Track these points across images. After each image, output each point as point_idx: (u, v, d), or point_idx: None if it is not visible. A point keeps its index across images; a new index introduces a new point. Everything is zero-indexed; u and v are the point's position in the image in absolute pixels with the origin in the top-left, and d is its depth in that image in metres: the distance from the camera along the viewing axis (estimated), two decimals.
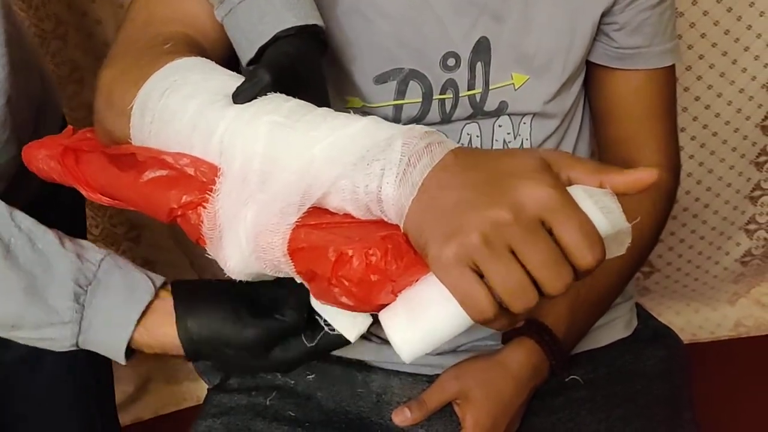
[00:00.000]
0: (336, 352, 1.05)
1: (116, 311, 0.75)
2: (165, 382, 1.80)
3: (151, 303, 0.76)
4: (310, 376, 1.05)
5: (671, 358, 1.10)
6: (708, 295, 1.80)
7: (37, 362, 1.07)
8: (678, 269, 1.73)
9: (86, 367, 1.13)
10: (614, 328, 1.10)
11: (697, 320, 1.84)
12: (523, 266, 0.56)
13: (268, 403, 1.02)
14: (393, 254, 0.61)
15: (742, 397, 1.69)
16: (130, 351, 0.77)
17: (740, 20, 1.42)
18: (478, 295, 0.57)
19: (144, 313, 0.76)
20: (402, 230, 0.61)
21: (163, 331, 0.76)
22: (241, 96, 0.68)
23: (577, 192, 0.58)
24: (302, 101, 0.68)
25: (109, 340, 0.76)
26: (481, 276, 0.57)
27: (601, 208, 0.58)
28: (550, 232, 0.57)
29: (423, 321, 0.60)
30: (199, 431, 1.02)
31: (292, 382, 1.04)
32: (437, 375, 0.96)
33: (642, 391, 1.04)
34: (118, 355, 0.77)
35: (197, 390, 1.78)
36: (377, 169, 0.61)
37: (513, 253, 0.56)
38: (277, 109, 0.66)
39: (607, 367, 1.06)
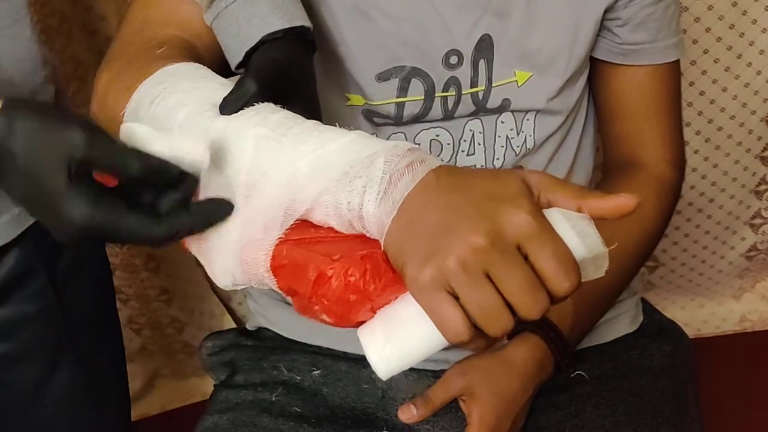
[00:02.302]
0: (342, 348, 1.06)
1: None
2: (172, 377, 1.81)
3: None
4: (316, 372, 1.05)
5: (677, 353, 1.10)
6: (713, 290, 1.80)
7: (36, 401, 1.06)
8: (683, 264, 1.73)
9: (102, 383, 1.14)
10: (619, 323, 1.10)
11: (702, 315, 1.83)
12: (498, 291, 0.57)
13: (273, 398, 1.02)
14: (372, 274, 0.61)
15: (747, 391, 1.69)
16: None
17: (745, 15, 1.42)
18: (453, 318, 0.57)
19: None
20: (382, 247, 0.61)
21: None
22: (227, 108, 0.67)
23: (554, 215, 0.59)
24: (290, 113, 0.68)
25: None
26: (457, 298, 0.57)
27: (578, 232, 0.58)
28: (526, 258, 0.57)
29: (400, 339, 0.61)
30: (206, 427, 1.02)
31: (298, 378, 1.05)
32: (442, 371, 0.96)
33: (648, 386, 1.04)
34: None
35: (204, 386, 1.78)
36: (359, 186, 0.61)
37: (489, 277, 0.57)
38: (264, 121, 0.66)
39: (612, 362, 1.06)
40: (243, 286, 0.68)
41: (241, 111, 0.67)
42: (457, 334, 0.58)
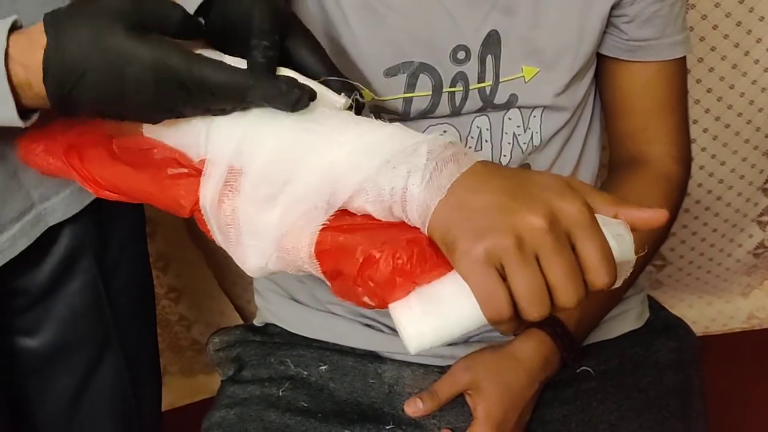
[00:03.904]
0: (349, 344, 1.07)
1: None
2: (180, 374, 1.81)
3: (15, 28, 0.67)
4: (323, 367, 1.05)
5: (683, 349, 1.10)
6: (721, 288, 1.79)
7: (83, 392, 1.09)
8: (690, 262, 1.73)
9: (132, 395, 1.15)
10: (626, 319, 1.10)
11: (710, 313, 1.83)
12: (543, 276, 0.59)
13: (280, 393, 1.03)
14: (418, 258, 0.62)
15: (755, 389, 1.68)
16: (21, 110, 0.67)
17: (752, 12, 1.41)
18: (499, 295, 0.59)
19: (11, 32, 0.66)
20: (425, 231, 0.62)
21: (40, 29, 0.65)
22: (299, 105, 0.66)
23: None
24: (324, 108, 0.68)
25: None
26: (503, 278, 0.58)
27: (615, 236, 0.61)
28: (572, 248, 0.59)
29: (437, 315, 0.62)
30: (213, 422, 1.03)
31: (305, 373, 1.05)
32: (449, 366, 0.97)
33: (653, 382, 1.04)
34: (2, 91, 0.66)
35: (212, 383, 1.78)
36: (403, 171, 0.62)
37: (537, 260, 0.58)
38: (301, 112, 0.67)
39: (618, 358, 1.06)
40: (274, 273, 0.68)
41: None
42: (499, 312, 0.59)
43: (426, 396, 0.94)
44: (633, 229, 0.63)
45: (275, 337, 1.11)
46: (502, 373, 0.94)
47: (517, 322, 0.61)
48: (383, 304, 0.63)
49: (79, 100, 0.66)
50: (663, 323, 1.13)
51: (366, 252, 0.63)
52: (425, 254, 0.62)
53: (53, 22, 0.65)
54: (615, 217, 0.63)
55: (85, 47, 0.63)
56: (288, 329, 1.11)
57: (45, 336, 1.02)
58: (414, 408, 0.93)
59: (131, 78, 0.64)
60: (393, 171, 0.62)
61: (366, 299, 0.64)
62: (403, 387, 1.03)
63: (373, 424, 1.00)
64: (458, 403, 0.97)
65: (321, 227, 0.65)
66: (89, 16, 0.64)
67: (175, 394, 1.80)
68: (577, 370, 1.03)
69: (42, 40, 0.64)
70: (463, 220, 0.60)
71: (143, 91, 0.64)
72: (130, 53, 0.63)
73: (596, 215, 0.61)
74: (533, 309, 0.59)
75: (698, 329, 1.73)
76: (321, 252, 0.65)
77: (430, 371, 1.03)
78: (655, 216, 0.63)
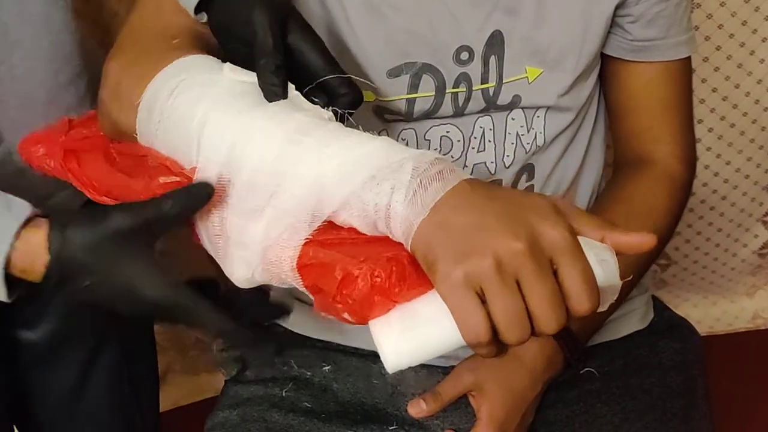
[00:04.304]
0: (352, 344, 1.06)
1: None
2: (184, 373, 1.82)
3: (29, 221, 0.70)
4: (326, 368, 1.05)
5: (687, 350, 1.10)
6: (726, 288, 1.79)
7: (83, 384, 1.10)
8: (695, 261, 1.72)
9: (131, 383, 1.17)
10: (630, 320, 1.10)
11: (715, 312, 1.83)
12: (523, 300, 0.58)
13: (284, 394, 1.03)
14: (398, 276, 0.62)
15: (759, 389, 1.68)
16: (10, 279, 0.69)
17: (758, 11, 1.41)
18: (477, 317, 0.58)
19: (23, 227, 0.69)
20: (408, 248, 0.62)
21: (42, 241, 0.68)
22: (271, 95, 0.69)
23: (580, 242, 0.60)
24: (313, 114, 0.68)
25: None
26: (483, 301, 0.58)
27: (600, 261, 0.60)
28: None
29: (416, 334, 0.61)
30: (216, 422, 1.03)
31: (309, 373, 1.05)
32: (452, 366, 0.97)
33: (657, 383, 1.04)
34: None
35: (216, 381, 1.78)
36: (387, 188, 0.62)
37: (517, 284, 0.58)
38: (288, 123, 0.66)
39: (622, 359, 1.06)
40: (260, 284, 0.68)
41: (263, 110, 0.67)
42: (477, 335, 0.58)
43: (429, 397, 0.94)
44: (619, 254, 0.62)
45: (279, 337, 1.11)
46: (506, 374, 0.94)
47: (496, 346, 0.60)
48: (363, 321, 0.63)
49: (73, 297, 0.70)
50: (667, 324, 1.13)
51: (345, 270, 0.62)
52: (405, 273, 0.62)
53: (56, 238, 0.67)
54: (602, 241, 0.62)
55: (87, 268, 0.67)
56: (291, 329, 1.11)
57: (45, 328, 1.03)
58: (417, 409, 0.93)
59: (131, 302, 0.68)
60: (377, 187, 0.62)
61: (346, 315, 0.63)
62: (406, 388, 1.03)
63: (377, 424, 1.00)
64: (461, 404, 0.97)
65: (304, 241, 0.64)
66: (97, 238, 0.67)
67: (178, 392, 1.81)
68: (581, 371, 1.03)
69: (44, 256, 0.67)
70: (445, 240, 0.59)
71: (140, 311, 0.69)
72: (136, 285, 0.67)
73: (582, 238, 0.61)
74: (511, 334, 0.58)
75: (703, 329, 1.73)
76: (303, 267, 0.65)
77: (433, 372, 1.03)
78: (643, 241, 0.62)
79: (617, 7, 0.96)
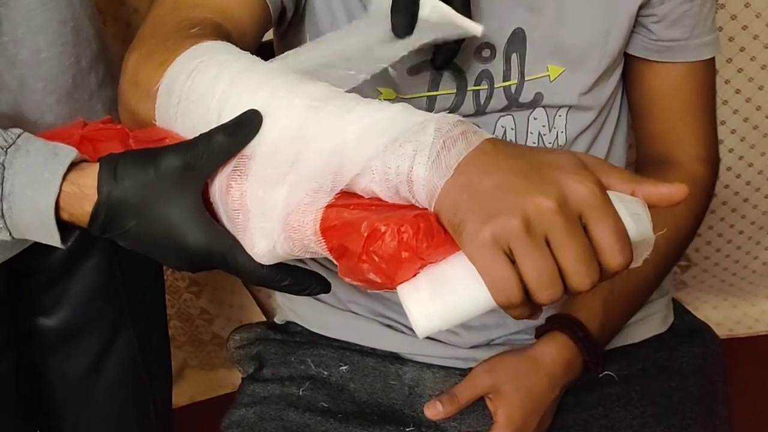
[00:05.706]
0: (369, 344, 1.06)
1: (40, 168, 0.68)
2: (200, 368, 1.82)
3: (75, 164, 0.69)
4: (344, 368, 1.05)
5: (707, 355, 1.09)
6: (746, 290, 1.78)
7: (97, 371, 1.11)
8: (716, 264, 1.71)
9: (143, 371, 1.17)
10: (650, 323, 1.09)
11: (735, 315, 1.82)
12: (554, 258, 0.57)
13: (301, 393, 1.03)
14: (425, 232, 0.60)
15: None
16: (62, 224, 0.69)
17: None
18: (508, 278, 0.57)
19: (69, 169, 0.68)
20: (432, 211, 0.61)
21: (91, 182, 0.68)
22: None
23: (611, 196, 0.59)
24: (331, 87, 0.68)
25: (35, 201, 0.68)
26: (512, 261, 0.57)
27: (632, 214, 0.59)
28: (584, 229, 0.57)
29: (445, 297, 0.60)
30: (233, 420, 1.03)
31: (326, 373, 1.05)
32: (470, 368, 0.96)
33: (677, 387, 1.03)
34: (47, 222, 0.68)
35: (232, 377, 1.79)
36: (409, 150, 0.61)
37: (547, 243, 0.56)
38: (309, 93, 0.66)
39: (641, 363, 1.06)
40: (282, 259, 0.68)
41: (283, 81, 0.67)
42: (508, 296, 0.57)
43: (446, 399, 0.93)
44: (651, 207, 0.61)
45: (296, 336, 1.11)
46: (524, 377, 0.93)
47: (529, 307, 0.59)
48: (389, 282, 0.62)
49: (116, 239, 0.69)
50: (687, 328, 1.12)
51: (371, 226, 0.61)
52: (432, 229, 0.60)
53: (107, 178, 0.67)
54: (632, 194, 0.60)
55: (135, 210, 0.67)
56: (309, 328, 1.10)
57: (61, 315, 1.05)
58: (434, 411, 0.93)
59: (171, 248, 0.68)
60: (399, 149, 0.61)
61: (372, 276, 0.62)
62: (423, 389, 1.03)
63: (393, 425, 1.00)
64: (479, 407, 0.96)
65: (327, 205, 0.64)
66: (153, 173, 0.67)
67: (195, 388, 1.81)
68: (600, 375, 1.02)
69: (93, 197, 0.67)
70: (470, 201, 0.58)
71: (177, 258, 0.68)
72: (179, 231, 0.67)
73: (612, 193, 0.59)
74: (544, 292, 0.57)
75: (722, 332, 1.72)
76: (326, 229, 0.64)
77: (451, 373, 1.02)
78: (674, 191, 0.60)
79: (641, 7, 0.96)
